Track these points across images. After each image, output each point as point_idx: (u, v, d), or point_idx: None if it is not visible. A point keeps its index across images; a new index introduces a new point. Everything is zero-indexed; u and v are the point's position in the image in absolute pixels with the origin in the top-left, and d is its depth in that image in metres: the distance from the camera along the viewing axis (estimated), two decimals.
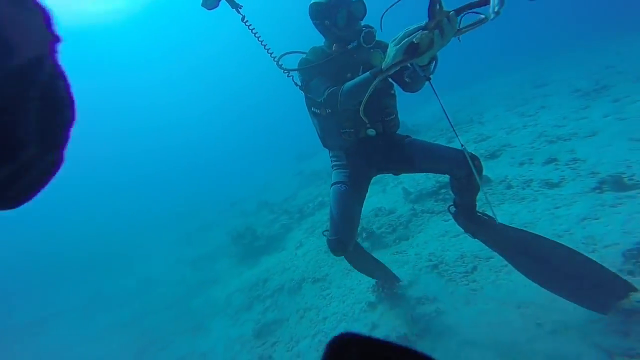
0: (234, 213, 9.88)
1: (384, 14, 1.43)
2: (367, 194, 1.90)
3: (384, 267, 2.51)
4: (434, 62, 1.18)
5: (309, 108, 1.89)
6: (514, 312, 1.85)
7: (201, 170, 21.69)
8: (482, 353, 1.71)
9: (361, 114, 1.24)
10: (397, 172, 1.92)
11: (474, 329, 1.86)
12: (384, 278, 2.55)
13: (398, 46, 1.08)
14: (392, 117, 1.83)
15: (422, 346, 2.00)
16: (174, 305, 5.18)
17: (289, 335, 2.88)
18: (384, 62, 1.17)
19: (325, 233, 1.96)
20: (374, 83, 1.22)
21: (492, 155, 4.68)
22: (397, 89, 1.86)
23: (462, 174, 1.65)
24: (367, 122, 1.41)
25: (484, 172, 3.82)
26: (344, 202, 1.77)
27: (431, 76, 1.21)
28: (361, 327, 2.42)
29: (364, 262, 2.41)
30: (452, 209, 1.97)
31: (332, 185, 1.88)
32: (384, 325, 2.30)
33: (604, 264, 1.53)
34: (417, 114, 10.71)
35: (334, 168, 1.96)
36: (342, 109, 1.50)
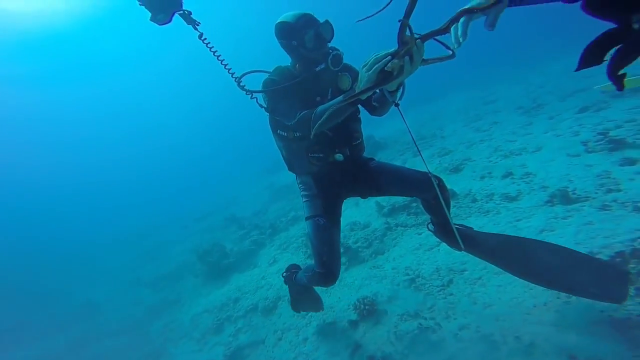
0: (199, 229, 9.32)
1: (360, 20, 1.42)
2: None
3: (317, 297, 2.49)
4: (402, 88, 1.21)
5: (274, 130, 1.85)
6: (493, 325, 1.94)
7: (162, 184, 20.26)
8: None
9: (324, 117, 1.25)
10: (364, 196, 1.96)
11: (457, 344, 1.91)
12: (310, 307, 2.49)
13: (370, 72, 1.08)
14: (359, 141, 1.86)
15: None
16: (127, 331, 4.66)
17: (265, 358, 2.72)
18: (357, 87, 1.17)
19: (291, 271, 2.28)
20: (348, 108, 1.21)
21: (456, 169, 5.00)
22: (362, 113, 1.90)
23: (430, 197, 1.73)
24: (335, 146, 1.45)
25: (450, 187, 4.10)
26: (326, 236, 1.76)
27: (399, 102, 1.25)
28: (342, 348, 2.37)
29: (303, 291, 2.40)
30: (431, 226, 2.04)
31: (307, 218, 1.86)
32: (367, 345, 2.27)
33: None
34: (383, 128, 11.16)
35: (305, 199, 1.93)
36: (314, 134, 1.43)
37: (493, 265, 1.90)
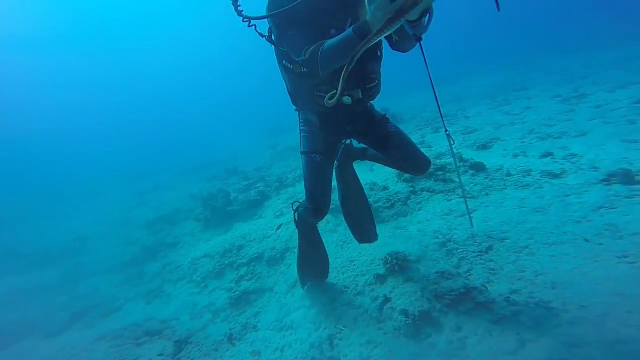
0: (197, 177, 8.99)
1: None
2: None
3: (326, 258, 2.43)
4: (428, 15, 0.95)
5: (279, 60, 1.65)
6: (549, 293, 1.73)
7: (160, 134, 19.54)
8: None
9: (341, 82, 0.99)
10: (362, 142, 1.94)
11: (510, 307, 1.70)
12: (314, 269, 2.41)
13: (379, 13, 0.84)
14: (374, 83, 1.63)
15: (446, 322, 1.80)
16: (121, 269, 4.46)
17: (277, 305, 2.52)
18: (370, 22, 0.92)
19: (295, 204, 2.22)
20: (359, 48, 0.95)
21: (484, 147, 4.71)
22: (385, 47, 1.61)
23: (416, 175, 1.94)
24: (344, 89, 1.34)
25: (477, 160, 3.83)
26: (319, 171, 1.75)
27: (422, 35, 1.04)
28: (369, 301, 2.17)
29: (312, 240, 2.33)
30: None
31: (302, 153, 1.81)
32: (398, 299, 2.07)
33: None
34: (400, 102, 10.69)
35: (304, 133, 1.84)
36: (322, 73, 1.27)
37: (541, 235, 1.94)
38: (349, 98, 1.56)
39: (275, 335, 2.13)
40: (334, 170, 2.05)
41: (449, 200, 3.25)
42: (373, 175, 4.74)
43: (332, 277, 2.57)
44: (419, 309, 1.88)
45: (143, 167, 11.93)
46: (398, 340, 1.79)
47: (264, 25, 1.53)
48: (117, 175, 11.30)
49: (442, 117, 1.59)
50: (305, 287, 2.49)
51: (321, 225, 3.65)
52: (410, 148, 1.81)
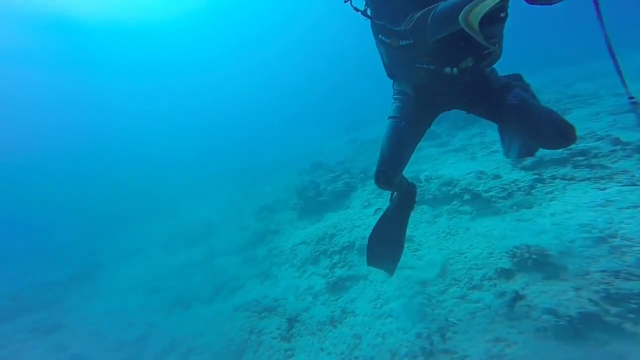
0: (287, 172, 9.89)
1: None
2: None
3: (400, 250, 2.13)
4: None
5: (375, 34, 1.54)
6: None
7: (248, 137, 22.16)
8: None
9: (478, 37, 0.87)
10: (472, 113, 1.67)
11: None
12: (384, 251, 2.11)
13: None
14: (493, 48, 1.34)
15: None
16: (240, 251, 5.38)
17: (373, 293, 2.64)
18: None
19: None
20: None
21: None
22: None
23: (553, 148, 1.49)
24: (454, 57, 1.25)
25: None
26: (398, 137, 1.65)
27: None
28: (491, 296, 2.02)
29: (395, 221, 2.06)
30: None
31: (389, 118, 1.72)
32: (538, 297, 1.87)
33: None
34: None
35: (396, 102, 1.74)
36: (432, 39, 1.16)
37: None
38: (456, 69, 1.39)
39: (374, 322, 2.25)
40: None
41: (604, 190, 2.65)
42: (476, 163, 4.28)
43: (438, 269, 2.49)
44: (579, 310, 1.66)
45: (240, 165, 13.82)
46: (546, 342, 1.65)
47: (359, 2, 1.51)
48: (223, 173, 13.45)
49: (623, 80, 1.17)
50: (370, 265, 2.28)
51: (417, 216, 3.56)
52: (538, 115, 1.44)
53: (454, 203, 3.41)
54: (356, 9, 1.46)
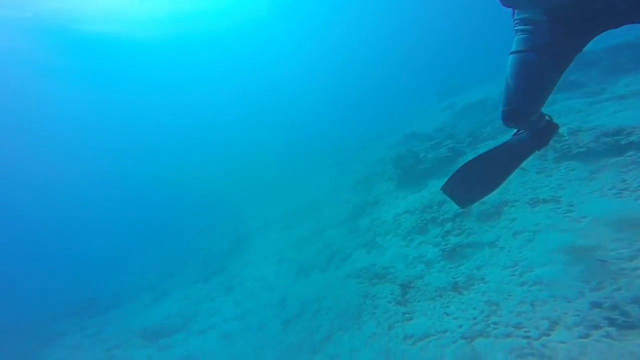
0: (378, 146, 9.60)
1: None
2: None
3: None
4: None
5: None
6: None
7: (337, 118, 22.27)
8: None
9: None
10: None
11: None
12: (468, 192, 1.61)
13: None
14: None
15: None
16: (344, 223, 5.58)
17: (509, 260, 2.28)
18: None
19: None
20: None
21: None
22: None
23: None
24: None
25: None
26: (528, 70, 1.26)
27: None
28: None
29: (504, 161, 1.60)
30: None
31: (511, 53, 1.31)
32: None
33: None
34: None
35: (519, 34, 1.31)
36: None
37: None
38: None
39: (515, 289, 1.95)
40: None
41: None
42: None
43: (601, 232, 1.96)
44: None
45: (333, 144, 14.13)
46: None
47: None
48: (319, 155, 14.04)
49: None
50: (443, 190, 1.79)
51: (562, 173, 2.88)
52: None
53: (628, 154, 2.55)
54: None
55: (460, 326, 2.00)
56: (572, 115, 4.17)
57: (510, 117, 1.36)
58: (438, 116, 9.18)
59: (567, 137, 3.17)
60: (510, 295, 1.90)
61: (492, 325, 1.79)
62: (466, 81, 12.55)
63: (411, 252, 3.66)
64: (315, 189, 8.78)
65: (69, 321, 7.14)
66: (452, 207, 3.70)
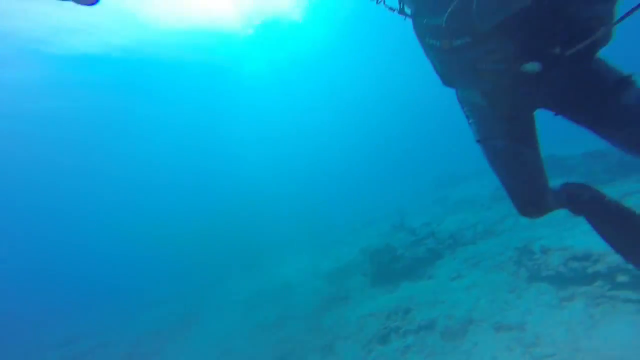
0: (366, 233, 9.38)
1: None
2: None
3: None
4: None
5: (422, 39, 1.22)
6: None
7: (334, 189, 22.51)
8: None
9: None
10: (574, 120, 1.18)
11: None
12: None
13: None
14: (596, 32, 0.94)
15: None
16: (308, 317, 4.93)
17: None
18: None
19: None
20: None
21: None
22: None
23: None
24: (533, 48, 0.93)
25: None
26: (507, 161, 1.28)
27: None
28: None
29: (606, 216, 1.41)
30: None
31: (477, 142, 1.34)
32: None
33: None
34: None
35: (471, 118, 1.36)
36: (484, 28, 0.91)
37: None
38: (538, 64, 1.00)
39: None
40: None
41: None
42: None
43: None
44: None
45: (325, 222, 13.83)
46: None
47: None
48: (309, 230, 13.57)
49: None
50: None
51: (531, 296, 2.56)
52: None
53: (597, 284, 2.32)
54: (391, 9, 1.25)
55: None
56: (551, 228, 3.95)
57: (526, 210, 1.33)
58: (430, 208, 9.19)
59: (538, 256, 2.96)
60: None
61: None
62: (463, 171, 12.79)
63: None
64: (293, 270, 8.19)
65: None
66: (418, 316, 3.25)
